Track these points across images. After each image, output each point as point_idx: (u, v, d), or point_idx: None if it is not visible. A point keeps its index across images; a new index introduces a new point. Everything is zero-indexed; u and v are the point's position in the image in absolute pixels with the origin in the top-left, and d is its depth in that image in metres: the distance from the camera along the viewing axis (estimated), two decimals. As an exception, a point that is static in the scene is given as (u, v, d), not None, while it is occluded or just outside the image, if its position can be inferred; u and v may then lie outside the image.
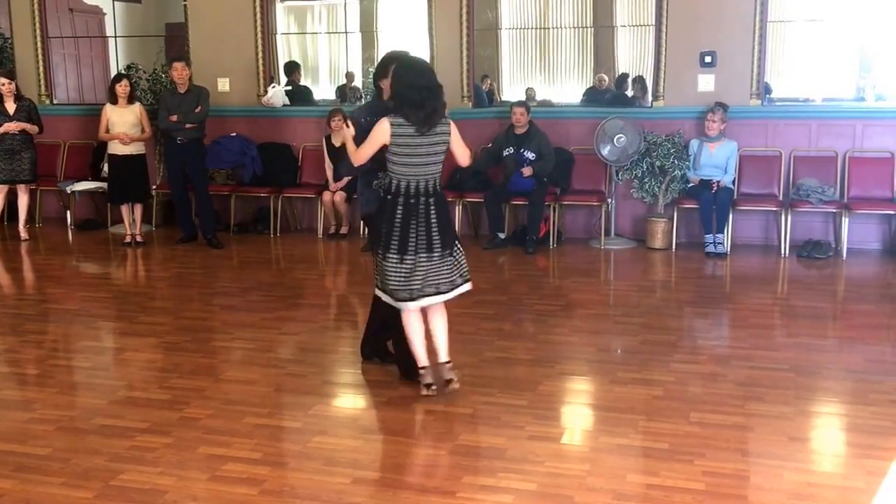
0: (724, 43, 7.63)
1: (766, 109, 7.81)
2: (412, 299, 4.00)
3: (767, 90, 8.20)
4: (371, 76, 11.76)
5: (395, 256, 3.97)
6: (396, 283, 3.98)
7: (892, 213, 7.21)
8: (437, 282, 4.03)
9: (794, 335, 5.22)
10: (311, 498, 3.16)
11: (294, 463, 3.49)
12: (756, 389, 4.18)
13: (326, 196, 8.18)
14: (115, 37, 11.05)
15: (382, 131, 3.91)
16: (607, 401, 4.15)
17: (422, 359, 4.11)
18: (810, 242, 7.31)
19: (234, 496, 3.18)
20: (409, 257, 3.96)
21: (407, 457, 3.55)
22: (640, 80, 10.32)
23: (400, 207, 3.96)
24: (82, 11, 11.14)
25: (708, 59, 7.67)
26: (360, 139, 4.04)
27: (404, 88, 3.88)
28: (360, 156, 4.02)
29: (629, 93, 10.43)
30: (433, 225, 3.99)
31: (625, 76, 10.91)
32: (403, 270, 3.97)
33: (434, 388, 4.06)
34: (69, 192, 8.80)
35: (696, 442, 3.58)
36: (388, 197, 3.99)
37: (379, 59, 4.32)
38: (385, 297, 4.08)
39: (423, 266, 3.98)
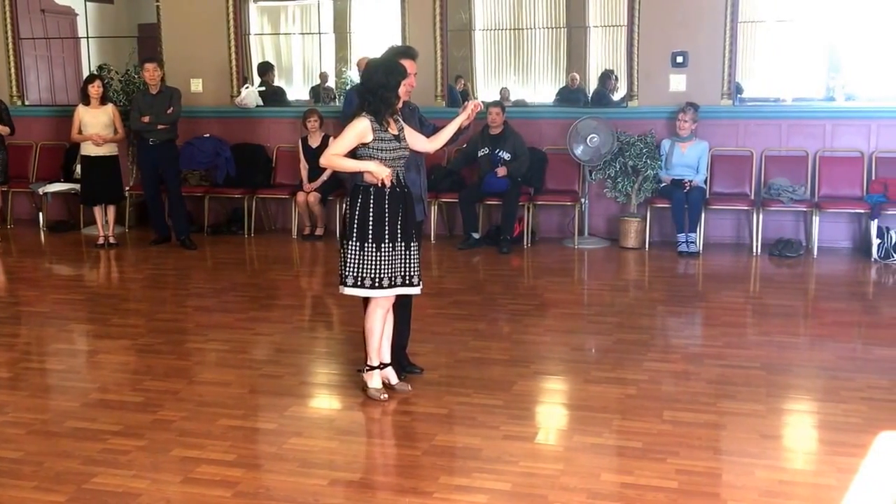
0: (695, 43, 7.71)
1: (737, 109, 7.90)
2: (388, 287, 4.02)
3: (739, 90, 8.29)
4: (345, 76, 11.81)
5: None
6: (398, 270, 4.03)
7: (861, 211, 7.31)
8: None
9: (765, 333, 5.28)
10: (286, 500, 3.16)
11: (269, 465, 3.48)
12: (728, 387, 4.22)
13: (301, 197, 8.15)
14: (87, 37, 10.94)
15: None
16: (581, 400, 4.18)
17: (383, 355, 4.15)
18: (781, 241, 7.41)
19: (208, 498, 3.17)
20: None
21: (383, 458, 3.55)
22: (608, 75, 10.41)
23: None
24: (54, 12, 11.01)
25: (679, 59, 7.75)
26: None
27: None
28: None
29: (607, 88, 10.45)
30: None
31: (609, 73, 10.79)
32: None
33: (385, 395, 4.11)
34: (41, 193, 8.70)
35: (669, 440, 3.61)
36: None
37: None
38: (358, 291, 4.00)
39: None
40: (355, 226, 3.98)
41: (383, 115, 3.95)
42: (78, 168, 8.24)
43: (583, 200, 7.89)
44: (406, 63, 4.06)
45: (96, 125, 7.74)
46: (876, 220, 7.05)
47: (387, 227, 3.97)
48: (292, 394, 4.25)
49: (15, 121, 8.27)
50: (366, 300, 4.10)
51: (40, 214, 8.82)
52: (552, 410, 4.23)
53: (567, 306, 6.01)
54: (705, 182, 7.62)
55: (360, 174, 4.00)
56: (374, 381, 4.13)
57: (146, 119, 7.62)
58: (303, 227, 8.31)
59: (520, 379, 4.38)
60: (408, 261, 4.04)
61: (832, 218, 7.47)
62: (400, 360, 4.37)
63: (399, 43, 8.36)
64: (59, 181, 8.75)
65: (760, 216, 7.42)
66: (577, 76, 11.49)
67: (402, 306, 4.25)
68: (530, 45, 12.49)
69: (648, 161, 7.57)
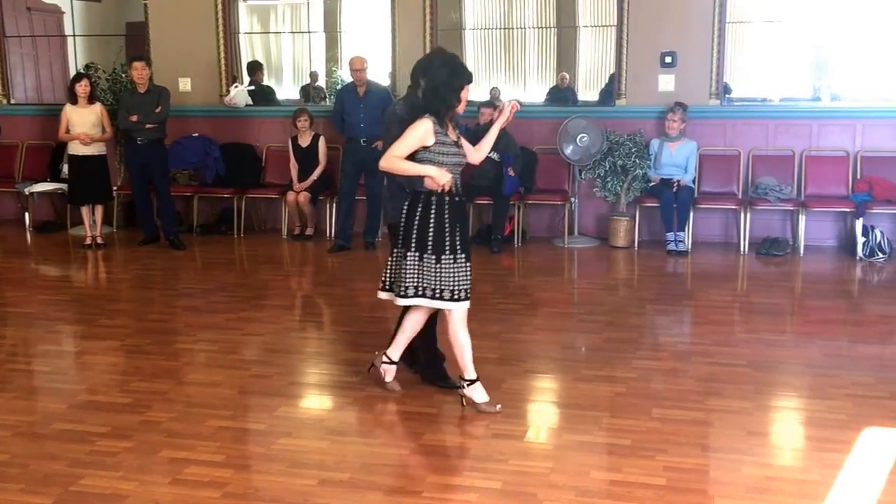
0: (683, 44, 7.74)
1: (724, 109, 7.94)
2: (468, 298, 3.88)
3: (727, 90, 8.32)
4: (335, 76, 11.79)
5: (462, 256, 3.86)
6: (466, 282, 3.86)
7: (847, 210, 7.36)
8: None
9: (752, 331, 5.31)
10: (275, 500, 3.16)
11: (258, 465, 3.48)
12: (716, 385, 4.25)
13: (290, 196, 8.14)
14: (74, 36, 10.88)
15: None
16: (571, 398, 4.19)
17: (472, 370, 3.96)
18: (768, 240, 7.45)
19: (197, 500, 3.16)
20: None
21: (373, 457, 3.55)
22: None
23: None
24: (40, 10, 10.96)
25: (668, 59, 7.79)
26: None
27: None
28: None
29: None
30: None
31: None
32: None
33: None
34: (27, 193, 8.65)
35: (657, 438, 3.63)
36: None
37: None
38: (445, 305, 3.83)
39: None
40: (415, 235, 3.80)
41: (443, 117, 3.78)
42: (65, 168, 8.20)
43: (573, 200, 7.91)
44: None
45: (84, 124, 7.70)
46: (861, 219, 7.11)
47: (447, 238, 3.80)
48: (282, 394, 4.25)
49: (0, 120, 8.21)
50: (434, 313, 4.02)
51: (26, 215, 8.77)
52: (542, 409, 4.24)
53: (557, 305, 6.03)
54: (694, 181, 7.66)
55: (419, 180, 3.79)
56: (478, 394, 3.92)
57: (134, 118, 7.59)
58: (293, 227, 8.29)
59: (510, 378, 4.39)
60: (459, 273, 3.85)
61: (818, 217, 7.52)
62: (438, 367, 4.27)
63: (389, 43, 8.40)
64: (46, 181, 8.70)
65: (748, 215, 7.46)
66: (567, 76, 11.53)
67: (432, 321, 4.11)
68: (520, 44, 12.51)
69: (637, 160, 7.60)
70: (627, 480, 3.27)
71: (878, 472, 3.34)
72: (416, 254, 3.81)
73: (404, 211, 3.87)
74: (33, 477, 3.34)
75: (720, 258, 7.39)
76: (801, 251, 7.32)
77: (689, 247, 7.45)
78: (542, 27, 12.39)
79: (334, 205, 8.04)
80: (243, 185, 8.43)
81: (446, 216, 3.82)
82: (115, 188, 8.39)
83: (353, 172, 7.68)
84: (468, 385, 3.93)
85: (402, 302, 3.88)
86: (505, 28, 12.44)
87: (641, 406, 3.98)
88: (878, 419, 3.82)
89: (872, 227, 7.11)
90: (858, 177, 7.45)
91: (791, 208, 7.48)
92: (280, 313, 5.90)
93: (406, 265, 3.83)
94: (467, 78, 3.81)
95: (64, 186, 8.27)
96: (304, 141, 8.18)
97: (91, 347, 5.13)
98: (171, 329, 5.47)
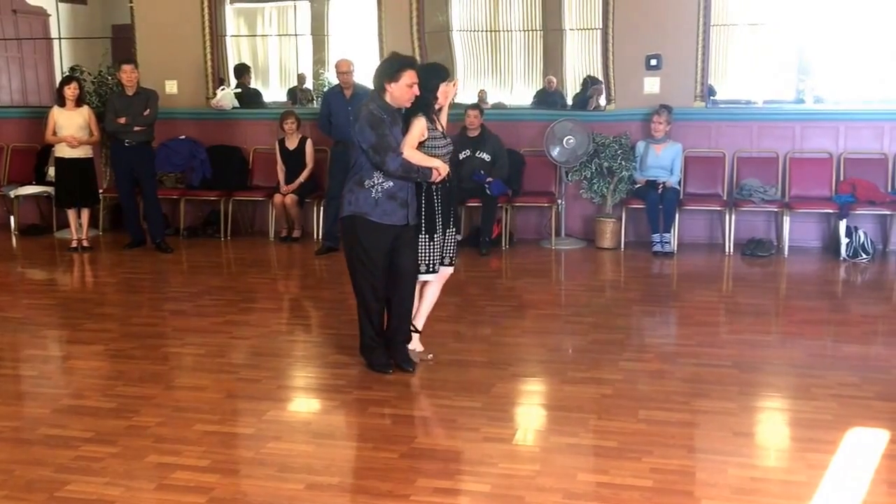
0: (668, 46, 7.79)
1: (709, 111, 7.99)
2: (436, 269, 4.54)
3: (712, 92, 8.38)
4: (322, 78, 11.78)
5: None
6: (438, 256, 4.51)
7: (830, 211, 7.42)
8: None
9: (737, 332, 5.35)
10: (263, 504, 3.16)
11: (246, 470, 3.47)
12: (701, 386, 4.28)
13: (278, 199, 8.13)
14: (60, 38, 10.83)
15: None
16: (558, 400, 4.21)
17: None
18: (753, 241, 7.50)
19: (185, 504, 3.16)
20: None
21: (361, 461, 3.55)
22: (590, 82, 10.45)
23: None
24: (26, 13, 10.91)
25: (653, 62, 7.83)
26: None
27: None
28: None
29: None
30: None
31: (592, 80, 10.73)
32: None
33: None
34: (13, 196, 8.60)
35: (644, 439, 3.65)
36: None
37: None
38: (427, 276, 4.51)
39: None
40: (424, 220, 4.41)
41: (429, 114, 4.29)
42: (51, 170, 8.17)
43: (559, 202, 7.94)
44: (409, 73, 4.20)
45: (71, 127, 7.66)
46: (844, 220, 7.17)
47: (439, 218, 4.43)
48: (270, 398, 4.24)
49: (-14, 123, 8.17)
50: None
51: (12, 218, 8.72)
52: (530, 412, 4.25)
53: (544, 307, 6.05)
54: (679, 183, 7.70)
55: (429, 172, 4.26)
56: (414, 342, 4.61)
57: (122, 120, 7.56)
58: (280, 230, 8.28)
59: (498, 381, 4.40)
60: (446, 244, 4.54)
61: (802, 218, 7.58)
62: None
63: (377, 45, 8.40)
64: (32, 184, 8.66)
65: (733, 216, 7.51)
66: (554, 79, 11.57)
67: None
68: (507, 47, 12.54)
69: (623, 162, 7.64)
70: (614, 482, 3.28)
71: (864, 473, 3.37)
72: (426, 235, 4.44)
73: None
74: (18, 483, 3.33)
75: (705, 259, 7.43)
76: (786, 252, 7.38)
77: (675, 248, 7.49)
78: (528, 30, 12.42)
79: (321, 207, 8.03)
80: (230, 187, 8.41)
81: (438, 200, 4.41)
82: (101, 191, 8.35)
83: (341, 175, 7.65)
84: (413, 332, 4.63)
85: (424, 277, 4.52)
86: (491, 31, 12.46)
87: (628, 408, 4.00)
88: (862, 419, 3.86)
89: (856, 228, 7.18)
90: (842, 178, 7.51)
91: (775, 209, 7.53)
92: (268, 316, 5.89)
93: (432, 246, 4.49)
94: (441, 77, 4.35)
95: (50, 189, 8.23)
96: (292, 143, 8.17)
97: (77, 352, 5.11)
98: (158, 333, 5.45)
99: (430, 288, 4.62)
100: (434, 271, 4.50)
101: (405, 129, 4.28)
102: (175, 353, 5.04)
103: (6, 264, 7.63)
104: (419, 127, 4.25)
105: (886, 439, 3.65)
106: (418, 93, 4.23)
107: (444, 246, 4.52)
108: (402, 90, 4.18)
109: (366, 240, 4.29)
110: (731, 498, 3.17)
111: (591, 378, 4.42)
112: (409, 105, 4.28)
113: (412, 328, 4.61)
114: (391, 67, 4.24)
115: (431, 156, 4.29)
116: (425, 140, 4.28)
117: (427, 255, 4.46)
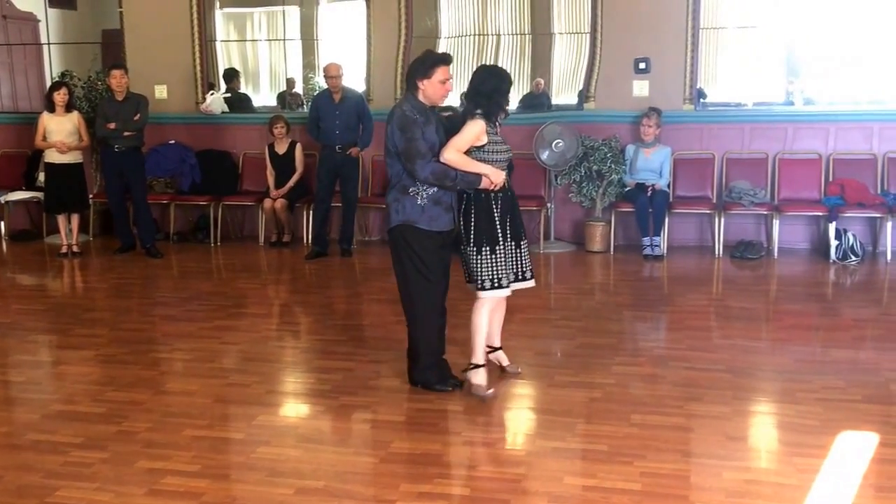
0: (657, 49, 7.83)
1: (699, 114, 8.03)
2: (507, 286, 4.18)
3: (702, 95, 8.41)
4: (311, 83, 11.77)
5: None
6: (503, 271, 4.16)
7: (819, 214, 7.46)
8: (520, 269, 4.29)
9: (728, 336, 5.36)
10: (252, 509, 3.15)
11: (237, 474, 3.47)
12: (694, 390, 4.27)
13: (267, 203, 8.12)
14: (49, 44, 10.80)
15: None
16: (545, 404, 4.21)
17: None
18: (743, 243, 7.53)
19: (174, 510, 3.15)
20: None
21: (347, 465, 3.55)
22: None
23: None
24: (16, 18, 10.87)
25: (642, 65, 7.86)
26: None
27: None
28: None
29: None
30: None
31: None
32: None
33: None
34: (2, 202, 8.58)
35: (635, 443, 3.64)
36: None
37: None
38: (488, 294, 4.15)
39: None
40: (473, 230, 4.11)
41: (495, 119, 4.09)
42: (41, 176, 8.14)
43: (549, 205, 7.95)
44: (442, 69, 4.05)
45: (61, 132, 7.65)
46: (834, 223, 7.21)
47: (498, 229, 4.12)
48: (260, 403, 4.24)
49: (-26, 129, 8.14)
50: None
51: (1, 223, 8.69)
52: (515, 415, 4.24)
53: (533, 311, 6.04)
54: (668, 186, 7.73)
55: (476, 179, 4.02)
56: (479, 377, 4.20)
57: (112, 126, 7.55)
58: (269, 235, 8.27)
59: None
60: (520, 258, 4.25)
61: (791, 220, 7.62)
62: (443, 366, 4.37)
63: (365, 50, 8.42)
64: (22, 189, 8.63)
65: (722, 219, 7.54)
66: (542, 81, 11.60)
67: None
68: (495, 51, 12.55)
69: (613, 165, 7.66)
70: (603, 486, 3.28)
71: (854, 475, 3.38)
72: (474, 248, 4.12)
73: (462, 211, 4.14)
74: (8, 489, 3.31)
75: (695, 262, 7.45)
76: (775, 254, 7.41)
77: (665, 251, 7.51)
78: (517, 34, 12.44)
79: (311, 212, 8.03)
80: (220, 192, 8.40)
81: (497, 210, 4.12)
82: (91, 196, 8.33)
83: (328, 179, 7.68)
84: (473, 368, 4.22)
85: (484, 295, 4.16)
86: (480, 35, 12.48)
87: (619, 412, 4.00)
88: (852, 423, 3.87)
89: (845, 231, 7.21)
90: (831, 179, 7.55)
91: (765, 212, 7.57)
92: (258, 322, 5.89)
93: (474, 261, 4.14)
94: (510, 80, 4.17)
95: (40, 195, 8.21)
96: (281, 148, 8.17)
97: (67, 357, 5.10)
98: (148, 338, 5.43)
99: (483, 311, 4.20)
100: (500, 286, 4.13)
101: (455, 129, 4.07)
102: (165, 358, 5.03)
103: (-5, 270, 7.60)
104: (473, 131, 4.01)
105: (876, 443, 3.66)
106: (451, 89, 4.06)
107: (516, 259, 4.22)
108: (436, 87, 4.01)
109: (420, 248, 4.08)
110: (726, 501, 3.17)
111: (580, 382, 4.42)
112: (441, 103, 4.11)
113: (472, 365, 4.24)
114: (423, 64, 4.04)
115: (489, 162, 4.04)
116: (484, 145, 4.04)
117: (490, 269, 4.11)
